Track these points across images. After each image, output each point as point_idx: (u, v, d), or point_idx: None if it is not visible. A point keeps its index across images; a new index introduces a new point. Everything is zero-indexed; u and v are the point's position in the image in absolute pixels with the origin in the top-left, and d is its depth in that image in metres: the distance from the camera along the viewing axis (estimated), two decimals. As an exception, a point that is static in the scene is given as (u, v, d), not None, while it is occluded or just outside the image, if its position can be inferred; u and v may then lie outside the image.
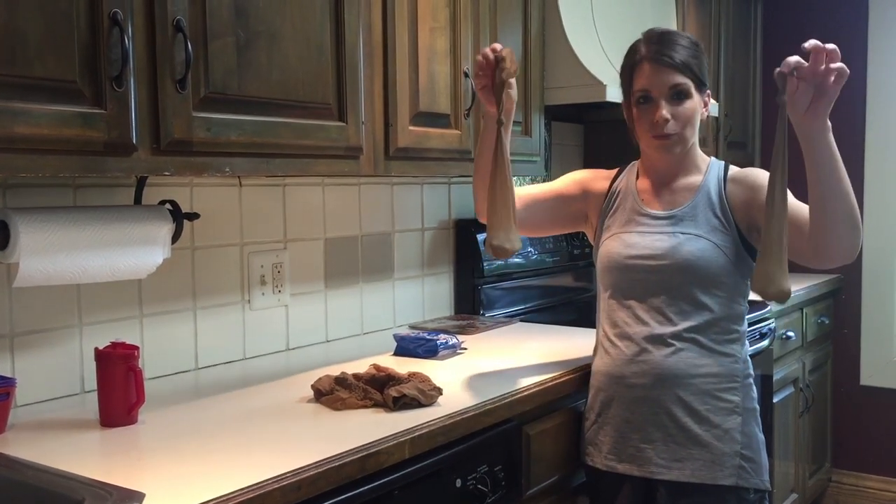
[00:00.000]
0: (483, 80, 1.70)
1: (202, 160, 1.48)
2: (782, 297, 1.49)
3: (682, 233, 1.74)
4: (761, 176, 1.72)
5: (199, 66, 1.43)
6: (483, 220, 1.83)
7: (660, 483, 1.73)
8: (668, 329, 1.72)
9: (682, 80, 1.71)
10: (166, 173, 1.42)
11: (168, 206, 1.71)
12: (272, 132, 1.57)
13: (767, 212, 1.48)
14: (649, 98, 1.73)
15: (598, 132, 3.25)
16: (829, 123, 1.47)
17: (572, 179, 1.95)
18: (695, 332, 1.72)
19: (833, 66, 1.40)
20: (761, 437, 1.78)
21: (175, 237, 1.70)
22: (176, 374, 1.87)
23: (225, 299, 1.97)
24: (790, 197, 1.59)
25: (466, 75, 2.10)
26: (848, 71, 1.41)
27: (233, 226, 1.99)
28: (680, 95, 1.71)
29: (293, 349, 2.14)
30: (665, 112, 1.71)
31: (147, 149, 1.38)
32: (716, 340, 1.73)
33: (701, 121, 1.79)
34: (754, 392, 1.79)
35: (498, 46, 1.68)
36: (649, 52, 1.73)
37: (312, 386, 1.68)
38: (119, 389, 1.49)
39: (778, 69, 1.43)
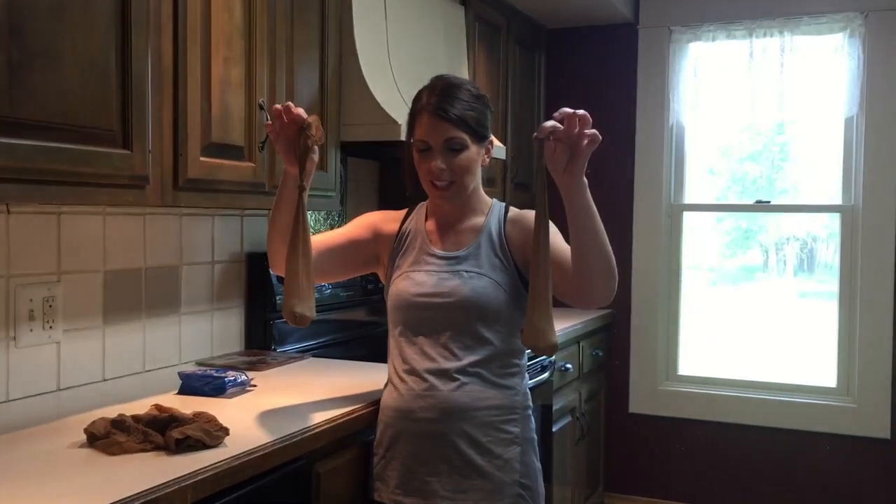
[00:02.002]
0: (276, 134, 1.71)
1: (-36, 185, 1.35)
2: (550, 350, 1.61)
3: (466, 271, 1.80)
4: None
5: (-37, 84, 1.32)
6: (278, 273, 1.85)
7: None
8: (454, 364, 1.78)
9: (457, 133, 1.76)
10: (-80, 199, 1.29)
11: (-79, 233, 1.54)
12: (48, 157, 1.47)
13: (533, 268, 1.58)
14: (428, 148, 1.79)
15: (393, 169, 3.31)
16: (585, 181, 1.59)
17: (363, 223, 1.98)
18: (478, 367, 1.78)
19: (586, 130, 1.52)
20: (538, 465, 1.87)
21: (-72, 268, 1.54)
22: (-76, 419, 1.68)
23: (-14, 336, 1.80)
24: (559, 241, 1.72)
25: (261, 107, 2.08)
26: (600, 137, 1.53)
27: (-2, 256, 1.83)
28: (456, 148, 1.77)
29: (65, 389, 1.99)
30: (440, 163, 1.77)
31: None
32: (497, 374, 1.80)
33: (484, 166, 1.87)
34: (532, 423, 1.88)
35: (301, 112, 1.70)
36: (429, 104, 1.78)
37: (85, 430, 1.57)
38: None
39: (535, 134, 1.54)
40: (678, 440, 3.98)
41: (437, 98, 1.78)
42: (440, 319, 1.79)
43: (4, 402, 1.84)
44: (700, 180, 4.11)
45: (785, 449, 3.79)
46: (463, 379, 1.77)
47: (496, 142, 1.86)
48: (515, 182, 3.70)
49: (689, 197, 4.07)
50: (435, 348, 1.79)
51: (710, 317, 4.19)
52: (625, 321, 4.05)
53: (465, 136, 1.78)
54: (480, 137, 1.81)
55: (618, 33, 4.05)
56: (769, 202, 3.93)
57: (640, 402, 4.05)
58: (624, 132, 4.02)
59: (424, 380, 1.78)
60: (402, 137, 2.41)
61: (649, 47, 3.99)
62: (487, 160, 1.87)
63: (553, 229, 1.67)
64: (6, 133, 1.39)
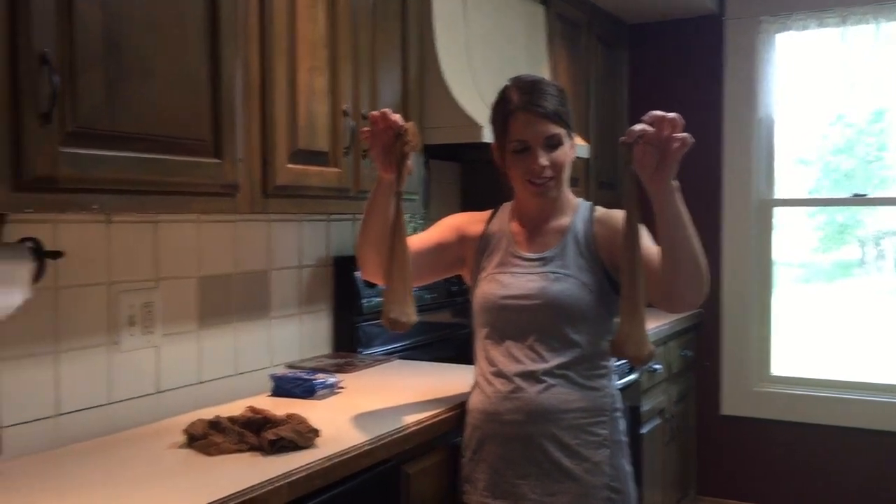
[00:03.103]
0: (372, 139, 1.73)
1: (67, 197, 1.41)
2: (646, 360, 1.58)
3: (552, 273, 1.79)
4: (622, 218, 1.78)
5: (65, 101, 1.37)
6: (368, 279, 1.90)
7: None
8: (540, 366, 1.76)
9: (556, 129, 1.77)
10: (28, 211, 1.35)
11: (30, 243, 1.62)
12: (145, 169, 1.53)
13: (625, 277, 1.55)
14: (526, 147, 1.77)
15: (474, 171, 3.32)
16: (676, 186, 1.56)
17: (448, 226, 1.98)
18: (565, 368, 1.77)
19: (676, 134, 1.49)
20: (628, 468, 1.84)
21: (37, 276, 1.62)
22: (36, 420, 1.76)
23: (90, 341, 1.88)
24: (647, 242, 1.68)
25: (346, 114, 2.11)
26: (691, 140, 1.49)
27: (100, 264, 1.90)
28: (554, 144, 1.77)
29: (164, 392, 2.06)
30: (543, 160, 1.76)
31: (8, 185, 1.31)
32: (585, 375, 1.78)
33: (571, 160, 1.85)
34: (621, 425, 1.85)
35: (398, 118, 1.71)
36: (522, 102, 1.77)
37: (184, 430, 1.62)
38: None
39: (622, 139, 1.51)
40: (773, 443, 3.85)
41: (528, 95, 1.77)
42: (526, 321, 1.78)
43: (108, 404, 1.92)
44: (791, 174, 3.98)
45: (884, 452, 3.63)
46: (550, 381, 1.76)
47: (577, 138, 1.84)
48: (599, 181, 3.66)
49: (781, 191, 3.94)
50: (522, 350, 1.78)
51: (803, 315, 4.05)
52: (715, 320, 3.95)
53: (562, 131, 1.78)
54: (569, 130, 1.82)
55: (703, 25, 3.96)
56: (865, 195, 3.78)
57: (732, 403, 3.94)
58: (711, 127, 3.93)
59: (511, 382, 1.78)
60: (485, 139, 2.41)
61: (736, 39, 3.88)
62: (573, 155, 1.86)
63: (642, 231, 1.64)
64: (106, 146, 1.45)
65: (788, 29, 3.76)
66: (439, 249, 1.95)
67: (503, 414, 1.78)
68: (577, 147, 1.88)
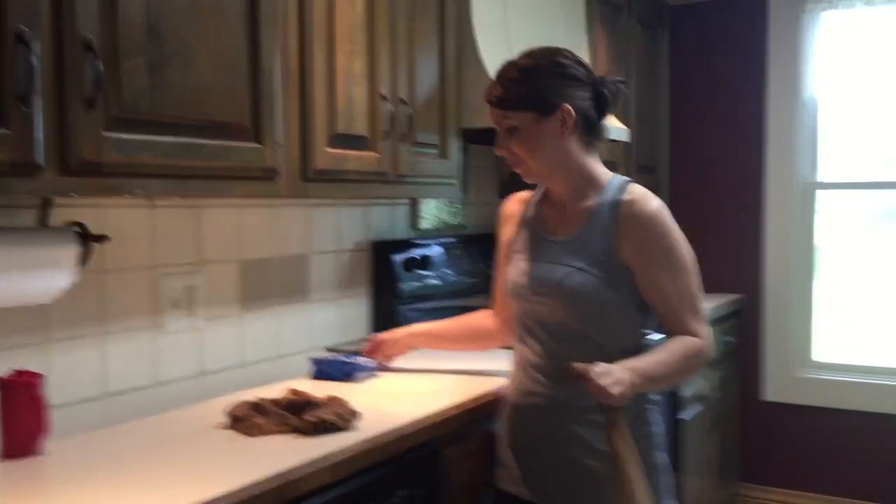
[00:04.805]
0: None
1: (113, 181, 1.44)
2: None
3: (568, 265, 1.70)
4: (652, 226, 1.70)
5: (109, 86, 1.39)
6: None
7: None
8: (558, 362, 1.69)
9: (507, 116, 1.70)
10: (73, 195, 1.38)
11: (75, 227, 1.65)
12: (187, 153, 1.54)
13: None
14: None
15: (513, 155, 3.30)
16: (634, 383, 1.57)
17: (503, 247, 1.91)
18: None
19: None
20: (659, 461, 1.76)
21: (83, 260, 1.65)
22: (84, 401, 1.80)
23: (136, 323, 1.91)
24: (661, 279, 1.69)
25: (384, 98, 2.11)
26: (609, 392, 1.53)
27: (144, 248, 1.93)
28: (510, 133, 1.71)
29: (207, 374, 2.09)
30: (499, 150, 1.74)
31: (54, 169, 1.33)
32: None
33: (563, 138, 1.70)
34: (651, 417, 1.77)
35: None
36: (486, 92, 1.75)
37: (227, 412, 1.65)
38: (22, 420, 1.43)
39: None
40: (815, 429, 3.79)
41: (492, 82, 1.74)
42: (542, 313, 1.73)
43: (153, 385, 1.95)
44: (837, 157, 3.89)
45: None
46: (565, 377, 1.66)
47: (571, 109, 1.69)
48: (639, 165, 3.62)
49: (826, 174, 3.86)
50: (541, 343, 1.74)
51: (848, 301, 3.97)
52: (756, 306, 3.89)
53: (514, 116, 1.69)
54: (539, 110, 1.68)
55: (745, 5, 3.88)
56: (913, 178, 3.68)
57: (775, 389, 3.89)
58: (755, 108, 3.85)
59: (531, 375, 1.75)
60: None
61: (781, 18, 3.80)
62: (553, 133, 1.69)
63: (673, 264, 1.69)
64: (149, 131, 1.47)
65: (835, 7, 3.67)
66: None
67: (525, 409, 1.75)
68: (573, 118, 1.69)
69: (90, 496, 1.25)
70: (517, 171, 1.76)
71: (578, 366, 1.54)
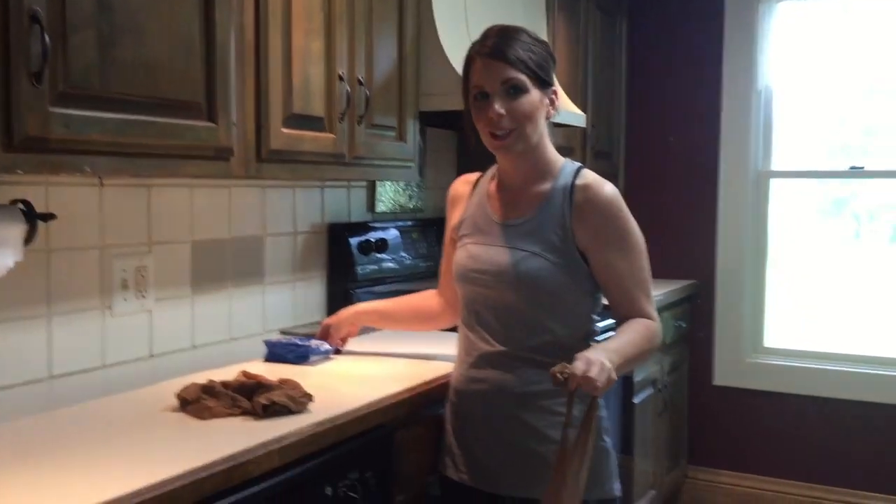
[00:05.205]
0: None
1: (59, 158, 1.40)
2: None
3: (522, 249, 1.68)
4: (607, 210, 1.70)
5: (57, 61, 1.35)
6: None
7: (507, 500, 1.71)
8: (506, 347, 1.69)
9: (514, 74, 1.63)
10: (18, 172, 1.34)
11: (21, 205, 1.61)
12: (137, 131, 1.51)
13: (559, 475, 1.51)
14: (485, 94, 1.65)
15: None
16: (617, 361, 1.55)
17: (449, 230, 1.89)
18: (533, 352, 1.68)
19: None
20: (603, 445, 1.73)
21: (28, 239, 1.60)
22: (28, 383, 1.76)
23: (83, 304, 1.87)
24: (619, 265, 1.70)
25: (341, 78, 2.09)
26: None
27: (93, 227, 1.89)
28: (515, 91, 1.64)
29: (157, 356, 2.06)
30: (498, 107, 1.63)
31: (-2, 145, 1.29)
32: (554, 356, 1.60)
33: (549, 118, 1.72)
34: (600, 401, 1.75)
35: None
36: (483, 48, 1.67)
37: (177, 394, 1.62)
38: (-37, 402, 1.39)
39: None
40: (764, 414, 3.88)
41: (493, 40, 1.67)
42: (493, 298, 1.70)
43: (101, 367, 1.92)
44: (789, 146, 3.96)
45: (874, 424, 3.65)
46: (515, 363, 1.69)
47: (563, 96, 1.70)
48: (595, 151, 3.64)
49: (778, 163, 3.93)
50: (488, 328, 1.72)
51: (798, 288, 4.05)
52: (709, 292, 3.96)
53: (525, 78, 1.64)
54: (542, 83, 1.67)
55: (703, -6, 3.92)
56: (863, 168, 3.76)
57: (725, 374, 3.96)
58: (710, 97, 3.90)
59: (477, 362, 1.73)
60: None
61: (736, 8, 3.84)
62: (553, 112, 1.72)
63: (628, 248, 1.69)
64: (98, 107, 1.43)
65: (789, -2, 3.73)
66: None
67: (470, 395, 1.74)
68: (559, 102, 1.73)
69: (32, 481, 1.22)
70: (502, 135, 1.66)
71: (556, 368, 1.49)
